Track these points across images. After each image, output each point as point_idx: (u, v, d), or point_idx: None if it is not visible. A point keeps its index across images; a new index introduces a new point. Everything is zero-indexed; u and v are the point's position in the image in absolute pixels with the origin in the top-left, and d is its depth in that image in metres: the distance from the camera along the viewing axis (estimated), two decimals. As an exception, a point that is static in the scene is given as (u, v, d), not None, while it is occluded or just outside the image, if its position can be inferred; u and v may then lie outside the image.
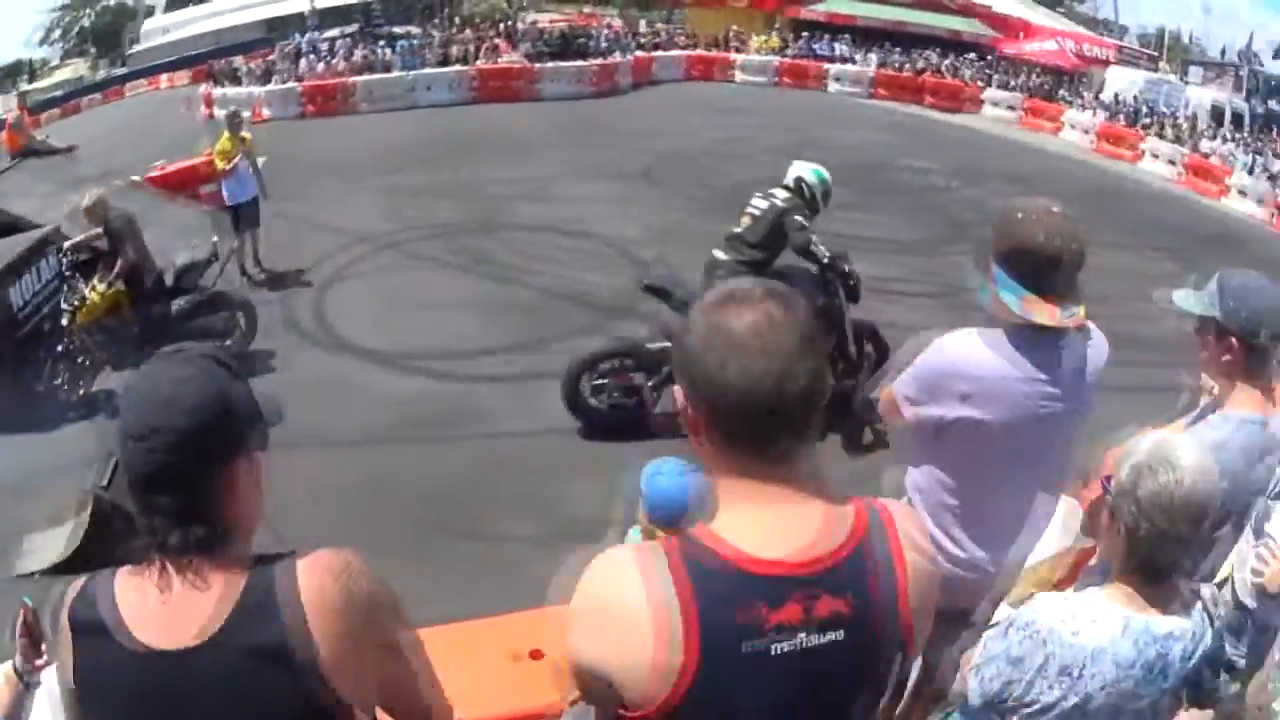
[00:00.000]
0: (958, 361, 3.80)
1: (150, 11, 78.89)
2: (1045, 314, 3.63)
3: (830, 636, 1.98)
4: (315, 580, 1.96)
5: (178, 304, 12.35)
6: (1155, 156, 37.93)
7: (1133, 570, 2.89)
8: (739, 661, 1.94)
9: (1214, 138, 40.62)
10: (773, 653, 1.94)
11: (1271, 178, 34.86)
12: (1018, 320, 3.68)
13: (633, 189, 20.42)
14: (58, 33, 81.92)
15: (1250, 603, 3.96)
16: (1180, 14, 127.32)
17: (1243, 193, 33.59)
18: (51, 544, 8.04)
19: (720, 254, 10.27)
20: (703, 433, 2.03)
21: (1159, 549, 2.80)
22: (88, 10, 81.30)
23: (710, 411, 1.99)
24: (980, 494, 3.98)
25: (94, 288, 12.01)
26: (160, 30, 72.84)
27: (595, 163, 22.49)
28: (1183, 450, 2.80)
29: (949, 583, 3.30)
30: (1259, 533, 3.99)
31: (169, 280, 12.43)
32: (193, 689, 1.93)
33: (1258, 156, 37.71)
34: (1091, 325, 3.91)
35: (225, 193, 15.50)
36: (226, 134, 15.00)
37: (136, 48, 73.02)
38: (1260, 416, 3.76)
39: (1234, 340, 3.80)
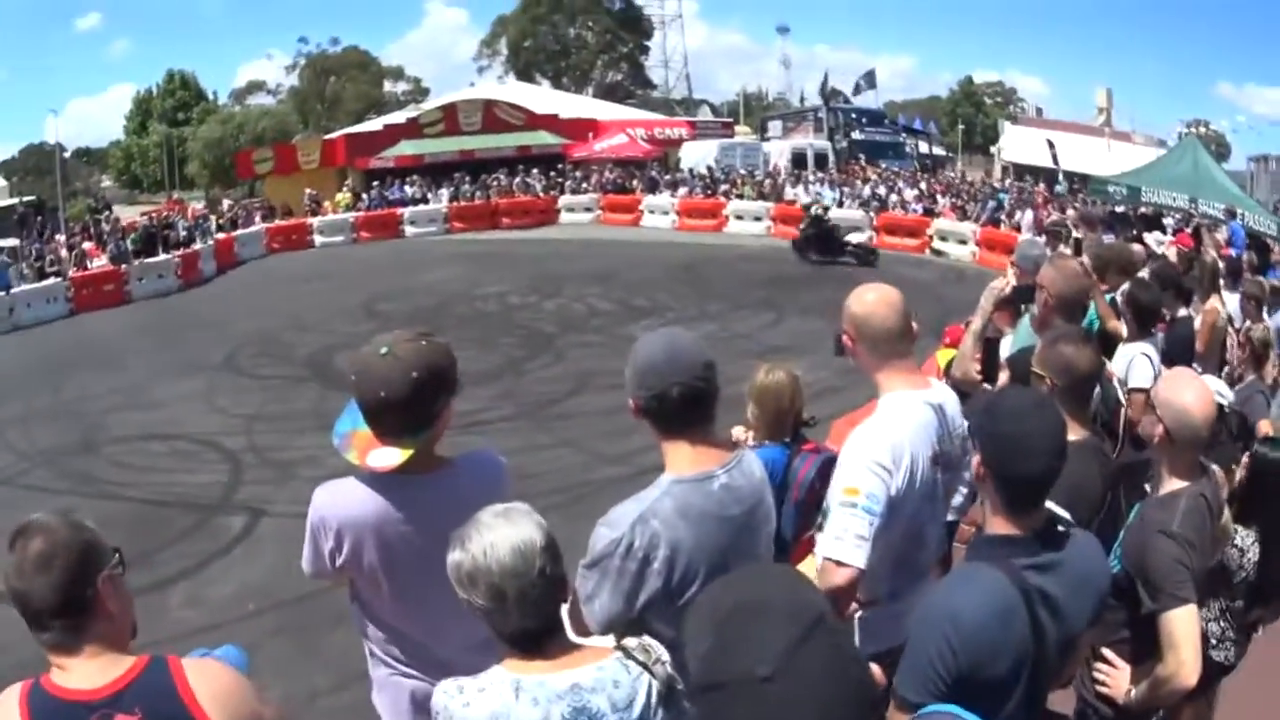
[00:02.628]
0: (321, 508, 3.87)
1: None
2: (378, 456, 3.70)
3: None
4: None
5: None
6: (740, 218, 40.16)
7: (498, 639, 3.00)
8: None
9: (797, 184, 42.77)
10: None
11: (863, 204, 38.39)
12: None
13: (218, 379, 21.01)
14: None
15: None
16: (760, 76, 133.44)
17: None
18: None
19: None
20: None
21: (487, 618, 2.93)
22: None
23: None
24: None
25: None
26: None
27: (182, 359, 22.85)
28: (481, 526, 2.91)
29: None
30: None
31: None
32: None
33: (844, 189, 40.96)
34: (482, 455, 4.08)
35: None
36: None
37: None
38: (694, 475, 3.62)
39: (632, 403, 3.68)
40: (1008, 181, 53.41)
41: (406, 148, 51.58)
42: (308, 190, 45.05)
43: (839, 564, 3.78)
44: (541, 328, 23.82)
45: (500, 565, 2.84)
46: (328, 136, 58.97)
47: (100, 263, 35.16)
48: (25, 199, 56.29)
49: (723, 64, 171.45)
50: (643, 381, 3.58)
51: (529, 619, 2.90)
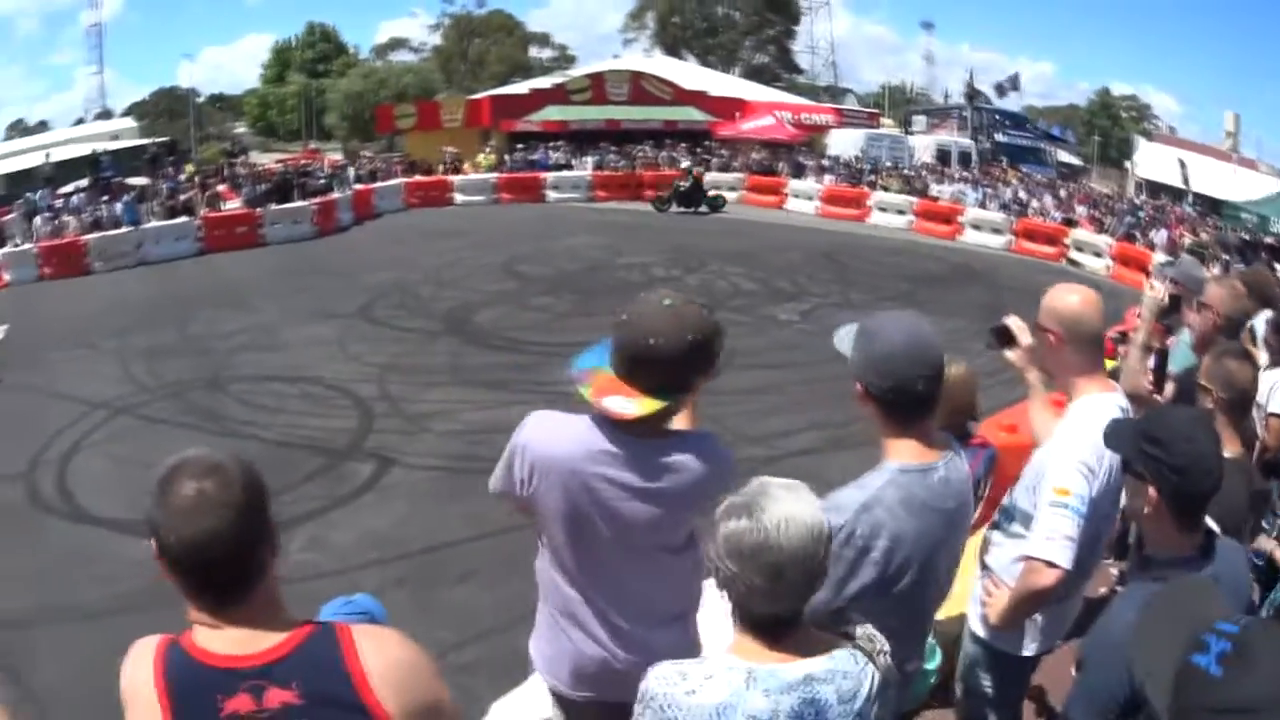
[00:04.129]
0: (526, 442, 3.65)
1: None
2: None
3: None
4: None
5: None
6: (883, 210, 39.21)
7: (739, 620, 2.85)
8: None
9: (940, 181, 42.39)
10: None
11: (1004, 206, 37.47)
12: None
13: (351, 327, 20.76)
14: None
15: (982, 633, 4.43)
16: (903, 69, 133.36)
17: (977, 227, 35.47)
18: None
19: None
20: None
21: (746, 598, 2.75)
22: None
23: None
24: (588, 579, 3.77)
25: None
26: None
27: (315, 305, 22.74)
28: (772, 498, 2.73)
29: (608, 676, 3.74)
30: (983, 566, 4.44)
31: None
32: None
33: (987, 190, 40.19)
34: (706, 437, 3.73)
35: None
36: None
37: None
38: (919, 464, 3.52)
39: (860, 388, 3.59)
40: (1142, 198, 51.86)
41: (553, 113, 51.57)
42: (447, 149, 44.94)
43: (1049, 564, 3.84)
44: (685, 302, 22.96)
45: (790, 544, 2.69)
46: (472, 97, 58.75)
47: (235, 205, 35.41)
48: (157, 139, 57.27)
49: (866, 55, 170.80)
50: (879, 369, 3.51)
51: (790, 604, 2.79)
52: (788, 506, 2.71)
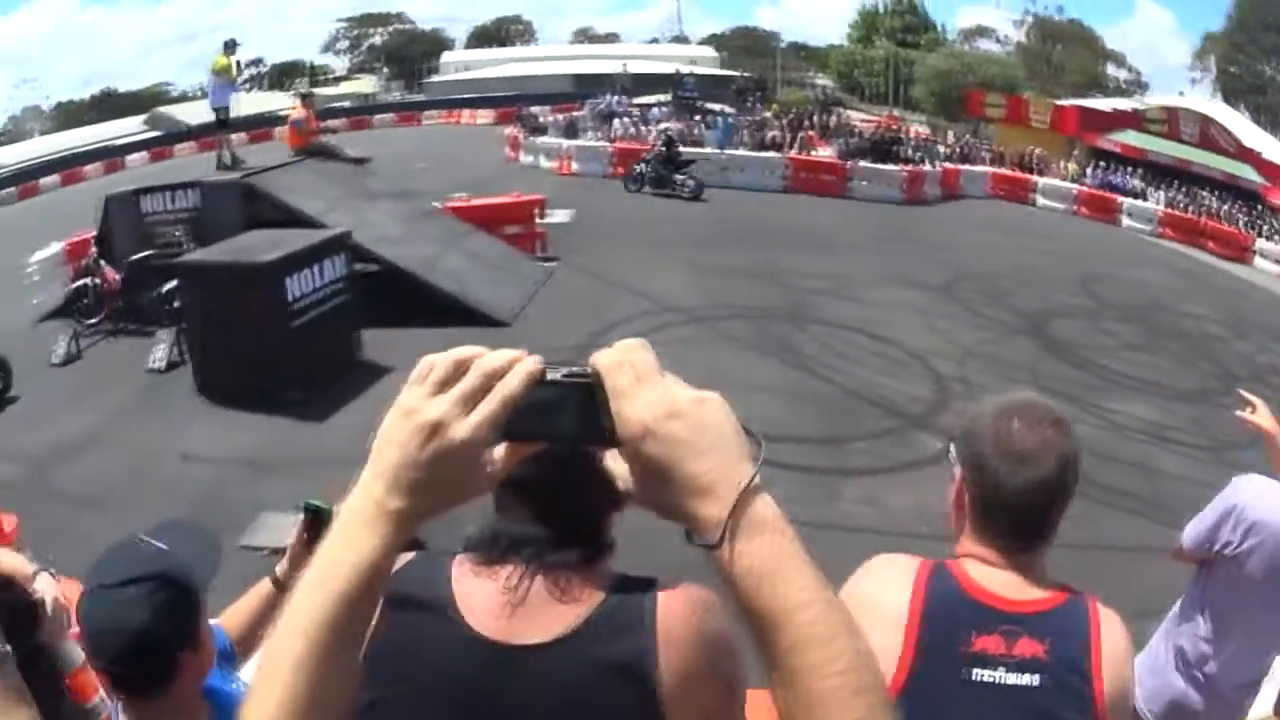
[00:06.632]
0: (1244, 504, 3.93)
1: (449, 44, 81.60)
2: None
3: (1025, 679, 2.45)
4: (674, 608, 1.97)
5: None
6: None
7: None
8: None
9: None
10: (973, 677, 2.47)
11: None
12: None
13: (935, 300, 20.48)
14: (344, 44, 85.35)
15: None
16: None
17: None
18: (286, 528, 8.39)
19: None
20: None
21: None
22: (379, 30, 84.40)
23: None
24: (1231, 635, 4.06)
25: None
26: (459, 65, 76.31)
27: (899, 269, 22.57)
28: None
29: (1188, 711, 4.05)
30: None
31: None
32: (524, 684, 1.94)
33: None
34: None
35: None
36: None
37: (433, 78, 76.27)
38: None
39: None
40: None
41: (1131, 137, 49.67)
42: (1035, 148, 43.40)
43: None
44: (1233, 368, 20.15)
45: None
46: (1058, 102, 57.47)
47: (825, 153, 35.71)
48: (744, 74, 59.48)
49: None
50: None
51: None
52: None
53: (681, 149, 33.95)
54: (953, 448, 2.70)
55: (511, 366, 1.37)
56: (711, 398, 1.38)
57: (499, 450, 1.42)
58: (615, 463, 1.45)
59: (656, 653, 1.90)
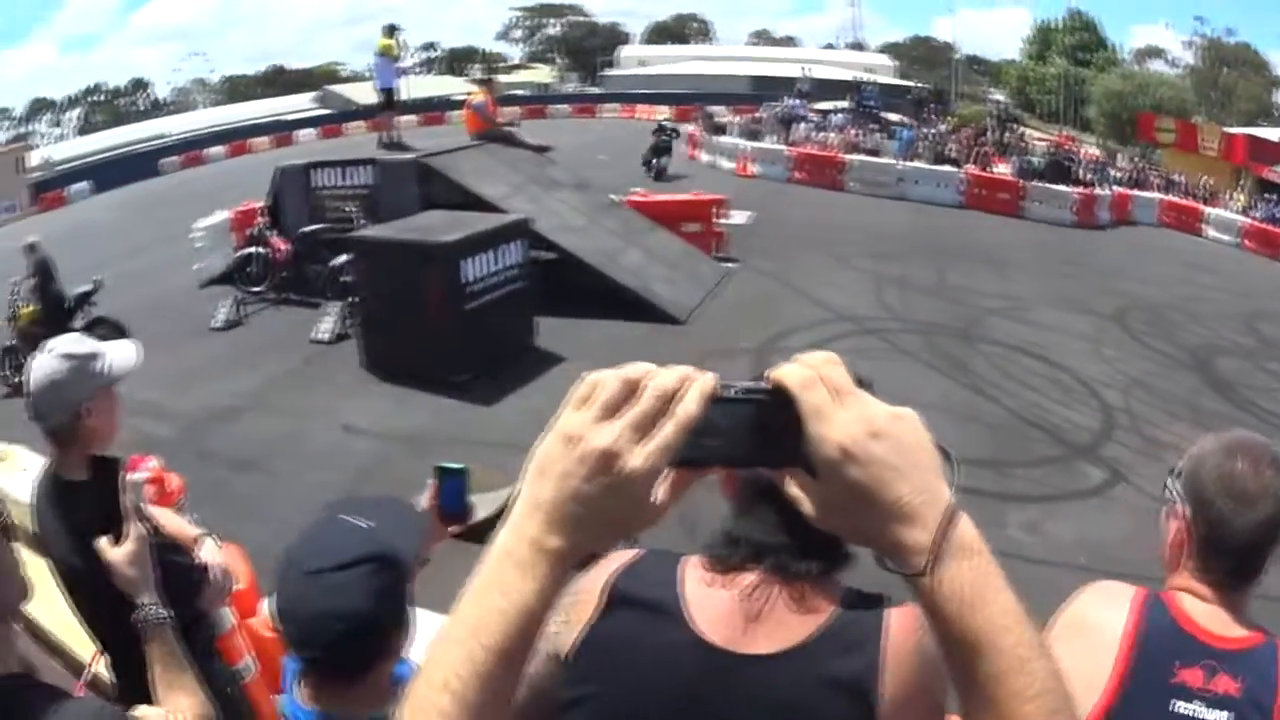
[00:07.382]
0: None
1: (625, 39, 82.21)
2: None
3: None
4: (904, 626, 1.97)
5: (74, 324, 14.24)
6: None
7: None
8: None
9: None
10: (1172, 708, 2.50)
11: None
12: None
13: (1104, 329, 20.21)
14: (519, 33, 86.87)
15: None
16: None
17: None
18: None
19: None
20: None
21: None
22: (555, 21, 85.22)
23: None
24: None
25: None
26: (636, 60, 77.04)
27: (1070, 293, 22.39)
28: None
29: None
30: None
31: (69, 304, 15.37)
32: (744, 694, 1.93)
33: None
34: None
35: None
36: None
37: (610, 71, 77.33)
38: None
39: None
40: None
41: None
42: (1205, 177, 42.12)
43: None
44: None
45: None
46: (1228, 130, 55.99)
47: (1002, 170, 35.49)
48: (922, 85, 59.22)
49: None
50: None
51: None
52: None
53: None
54: (1174, 485, 2.72)
55: (685, 385, 1.27)
56: (907, 413, 1.32)
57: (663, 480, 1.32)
58: (789, 485, 1.35)
59: (881, 671, 1.92)
